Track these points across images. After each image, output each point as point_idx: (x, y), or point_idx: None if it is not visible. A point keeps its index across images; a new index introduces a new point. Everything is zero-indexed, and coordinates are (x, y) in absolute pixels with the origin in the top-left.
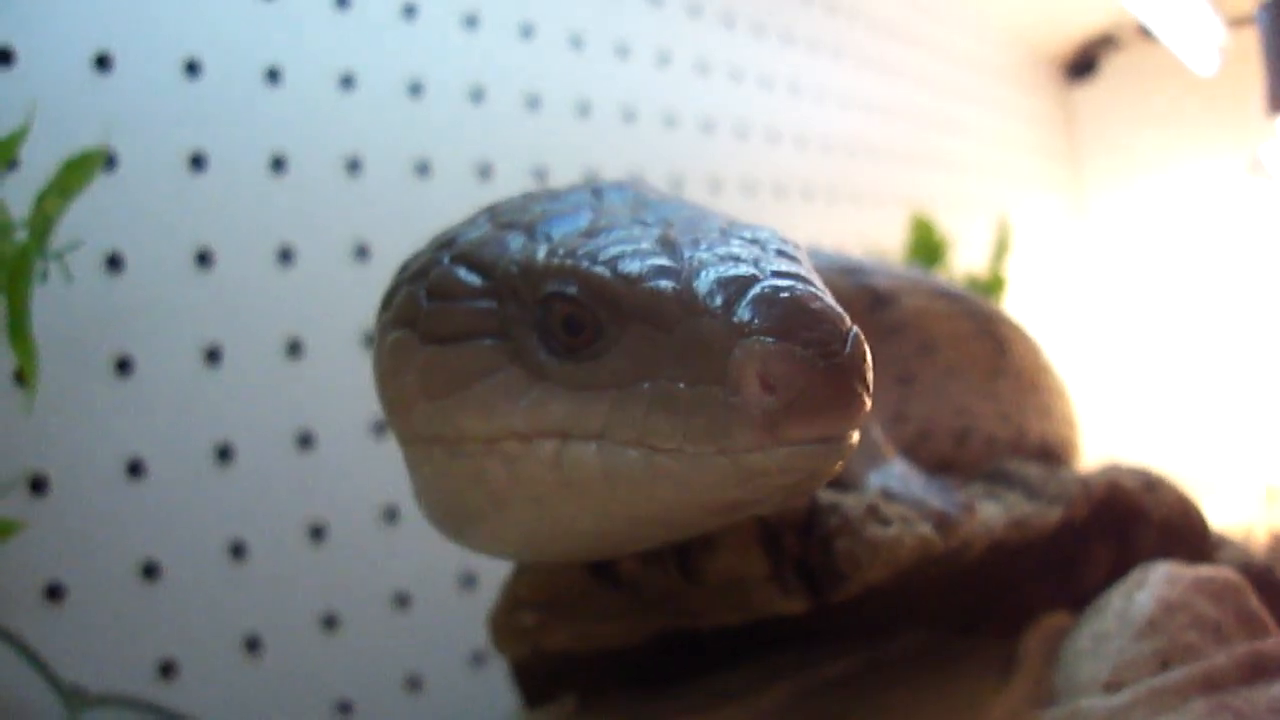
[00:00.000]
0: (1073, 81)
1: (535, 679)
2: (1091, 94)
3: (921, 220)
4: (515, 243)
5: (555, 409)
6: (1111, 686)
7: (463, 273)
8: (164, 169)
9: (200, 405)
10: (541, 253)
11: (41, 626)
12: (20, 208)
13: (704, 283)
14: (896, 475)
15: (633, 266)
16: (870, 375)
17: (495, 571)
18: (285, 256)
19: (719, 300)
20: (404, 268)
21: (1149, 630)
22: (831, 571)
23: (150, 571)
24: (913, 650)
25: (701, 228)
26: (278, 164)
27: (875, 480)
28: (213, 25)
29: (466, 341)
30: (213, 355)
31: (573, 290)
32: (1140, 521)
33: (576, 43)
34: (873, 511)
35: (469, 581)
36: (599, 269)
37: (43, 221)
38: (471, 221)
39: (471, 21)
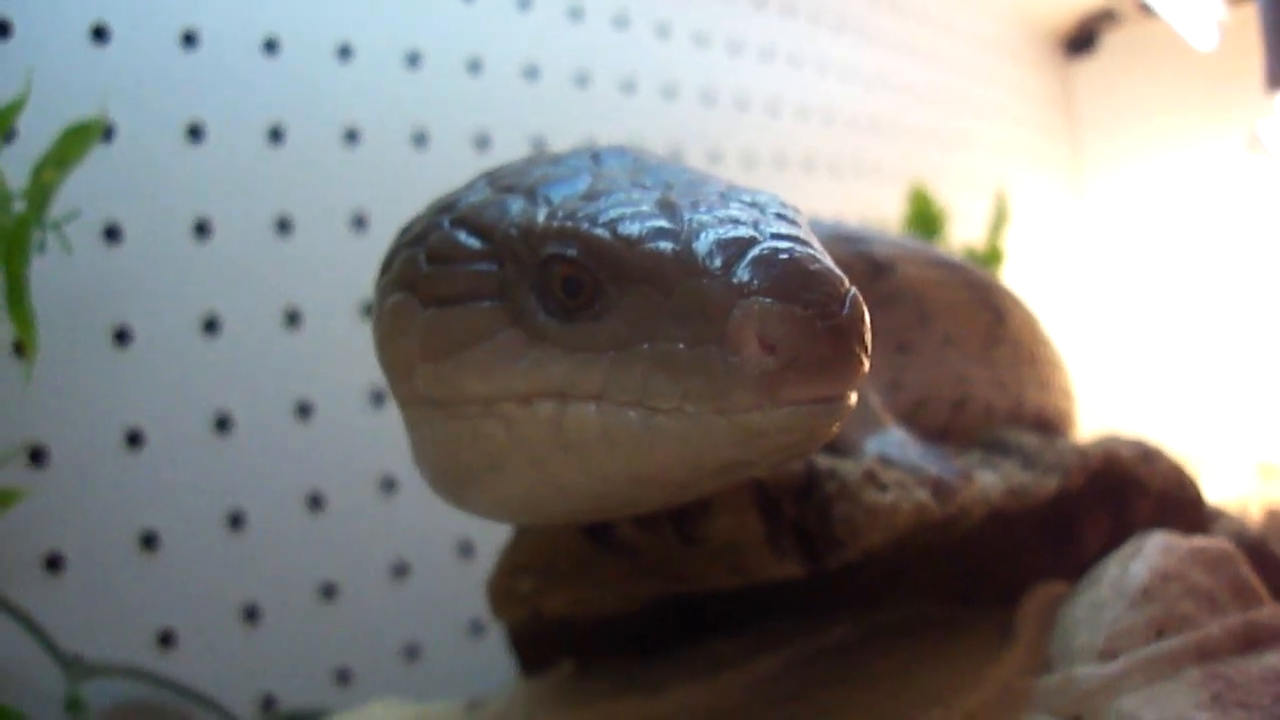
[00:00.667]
0: (1072, 56)
1: (532, 645)
2: (1090, 69)
3: (920, 193)
4: (515, 206)
5: (554, 370)
6: (1106, 655)
7: (463, 236)
8: (162, 139)
9: (199, 375)
10: (541, 215)
11: (41, 596)
12: (18, 179)
13: (703, 244)
14: (894, 442)
15: (632, 228)
16: (869, 336)
17: (493, 540)
18: (283, 226)
19: (718, 261)
20: (404, 231)
21: (1144, 599)
22: (828, 537)
23: (149, 541)
24: (909, 618)
25: (701, 191)
26: (275, 134)
27: (873, 446)
28: None
29: (466, 304)
30: (211, 325)
31: (572, 252)
32: (1136, 492)
33: (575, 13)
34: (870, 477)
35: (467, 550)
36: (599, 231)
37: (40, 192)
38: (471, 186)
39: None
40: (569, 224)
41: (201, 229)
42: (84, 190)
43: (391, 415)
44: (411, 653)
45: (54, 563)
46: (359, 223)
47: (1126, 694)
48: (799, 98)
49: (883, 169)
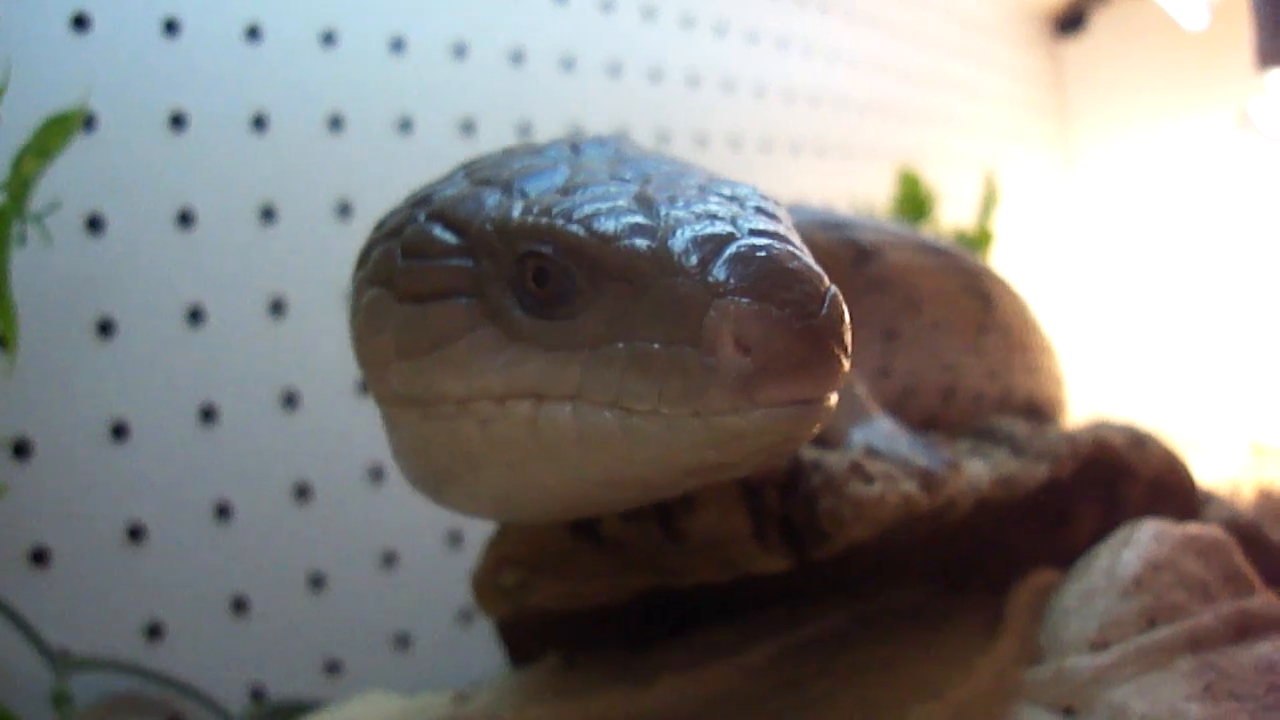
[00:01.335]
0: (1062, 36)
1: (521, 637)
2: (1080, 49)
3: (909, 175)
4: (491, 200)
5: (530, 369)
6: (1098, 645)
7: (438, 230)
8: (144, 129)
9: (183, 366)
10: (517, 210)
11: (27, 590)
12: None
13: (679, 241)
14: (881, 432)
15: (608, 225)
16: (849, 337)
17: (482, 530)
18: (267, 215)
19: (694, 259)
20: (380, 224)
21: (1135, 588)
22: (814, 529)
23: (135, 533)
24: (899, 608)
25: (680, 184)
26: (259, 122)
27: (859, 437)
28: None
29: (442, 300)
30: (195, 316)
31: (548, 249)
32: (1128, 478)
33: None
34: (856, 469)
35: (456, 540)
36: (574, 227)
37: (21, 183)
38: (448, 178)
39: None
40: (544, 220)
41: (185, 219)
42: (65, 181)
43: None
44: (401, 642)
45: (39, 556)
46: (344, 211)
47: (1118, 685)
48: (786, 80)
49: (871, 150)
